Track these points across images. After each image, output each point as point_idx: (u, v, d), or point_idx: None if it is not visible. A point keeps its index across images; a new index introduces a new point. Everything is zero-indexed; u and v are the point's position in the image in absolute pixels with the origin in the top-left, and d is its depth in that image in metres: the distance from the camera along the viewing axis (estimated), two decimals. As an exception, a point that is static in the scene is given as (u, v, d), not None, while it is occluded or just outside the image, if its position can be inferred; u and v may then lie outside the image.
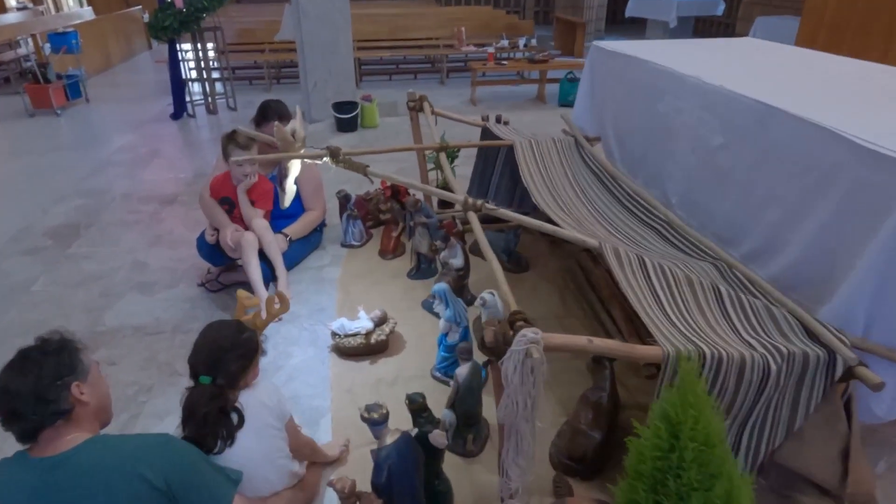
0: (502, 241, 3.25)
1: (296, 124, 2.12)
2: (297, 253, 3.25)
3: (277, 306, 2.27)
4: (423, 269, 3.15)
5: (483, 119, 3.35)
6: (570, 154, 3.12)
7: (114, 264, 3.64)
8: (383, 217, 3.35)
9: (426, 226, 3.02)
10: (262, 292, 2.86)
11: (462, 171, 4.01)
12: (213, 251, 3.13)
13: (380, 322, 2.55)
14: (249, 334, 1.76)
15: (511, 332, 1.37)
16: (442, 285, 2.27)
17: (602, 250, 1.83)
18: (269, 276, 3.04)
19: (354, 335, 2.50)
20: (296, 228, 3.21)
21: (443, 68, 9.35)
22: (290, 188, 2.21)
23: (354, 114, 5.92)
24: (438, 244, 2.71)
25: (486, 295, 2.47)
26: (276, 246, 3.00)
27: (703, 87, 2.38)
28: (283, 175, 2.14)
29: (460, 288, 2.83)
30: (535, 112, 7.16)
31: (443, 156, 2.59)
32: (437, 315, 2.81)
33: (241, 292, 2.26)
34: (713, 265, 2.09)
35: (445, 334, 2.33)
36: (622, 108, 3.11)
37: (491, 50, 7.60)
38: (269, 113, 3.04)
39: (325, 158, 2.12)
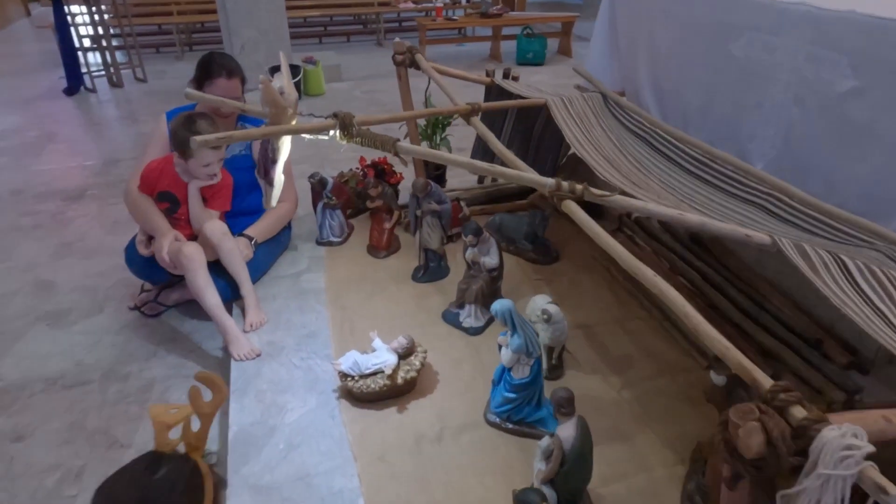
0: (525, 226, 2.62)
1: (283, 81, 1.38)
2: (265, 259, 2.49)
3: (209, 398, 1.47)
4: (432, 268, 2.48)
5: (488, 74, 2.67)
6: (603, 114, 2.52)
7: (8, 287, 2.73)
8: (371, 204, 2.63)
9: (438, 214, 2.34)
10: (228, 323, 2.10)
11: (455, 143, 3.33)
12: (149, 265, 2.32)
13: (407, 353, 1.87)
14: (174, 465, 1.07)
15: (788, 430, 0.75)
16: (506, 304, 1.62)
17: (782, 249, 1.24)
18: (230, 296, 2.27)
19: (374, 374, 1.82)
20: (262, 228, 2.44)
21: (379, 29, 8.47)
22: (280, 178, 1.47)
23: (296, 80, 5.03)
24: (470, 239, 2.05)
25: (549, 306, 1.85)
26: (238, 255, 2.23)
27: (817, 16, 1.82)
28: (269, 159, 1.41)
29: (492, 293, 2.20)
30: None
31: (477, 121, 1.90)
32: (466, 330, 2.18)
33: (155, 409, 1.46)
34: (875, 250, 1.56)
35: (509, 369, 1.69)
36: (666, 54, 2.53)
37: (439, 4, 6.82)
38: (214, 68, 2.22)
39: (331, 132, 1.40)
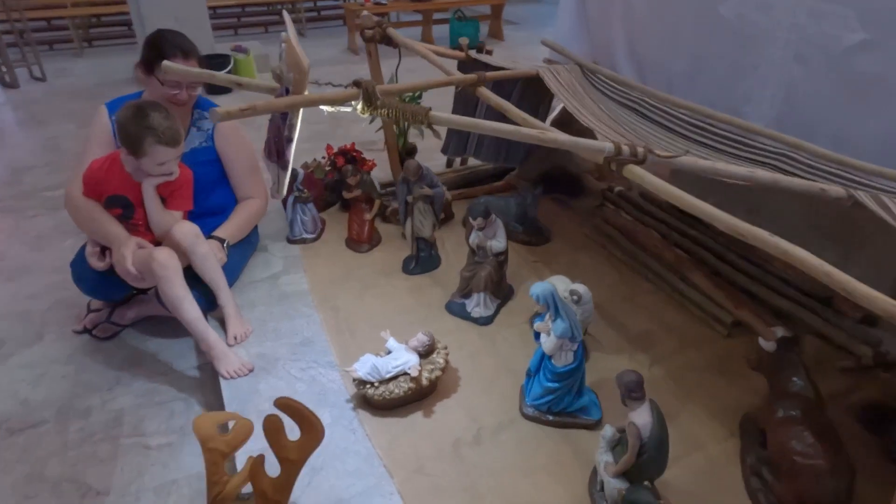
0: (514, 206, 2.50)
1: (293, 42, 1.16)
2: (238, 262, 2.22)
3: (294, 438, 1.15)
4: (423, 258, 2.30)
5: (461, 49, 2.51)
6: (586, 85, 2.43)
7: (-83, 323, 2.30)
8: (349, 195, 2.42)
9: (430, 199, 2.17)
10: (212, 337, 1.83)
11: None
12: (104, 280, 1.99)
13: (428, 351, 1.70)
14: None
15: None
16: (546, 286, 1.48)
17: (860, 201, 1.17)
18: (205, 306, 1.99)
19: (395, 377, 1.64)
20: (232, 228, 2.16)
21: (300, 18, 8.07)
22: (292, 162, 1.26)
23: (227, 70, 4.65)
24: (478, 222, 1.89)
25: (577, 286, 1.73)
26: (214, 259, 1.96)
27: (816, -31, 1.80)
28: (283, 138, 1.18)
29: (500, 279, 2.06)
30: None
31: (486, 91, 1.74)
32: (475, 321, 2.03)
33: (202, 426, 1.12)
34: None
35: (550, 357, 1.56)
36: (645, 21, 2.47)
37: (367, -11, 6.54)
38: (167, 48, 1.91)
39: (353, 103, 1.20)
